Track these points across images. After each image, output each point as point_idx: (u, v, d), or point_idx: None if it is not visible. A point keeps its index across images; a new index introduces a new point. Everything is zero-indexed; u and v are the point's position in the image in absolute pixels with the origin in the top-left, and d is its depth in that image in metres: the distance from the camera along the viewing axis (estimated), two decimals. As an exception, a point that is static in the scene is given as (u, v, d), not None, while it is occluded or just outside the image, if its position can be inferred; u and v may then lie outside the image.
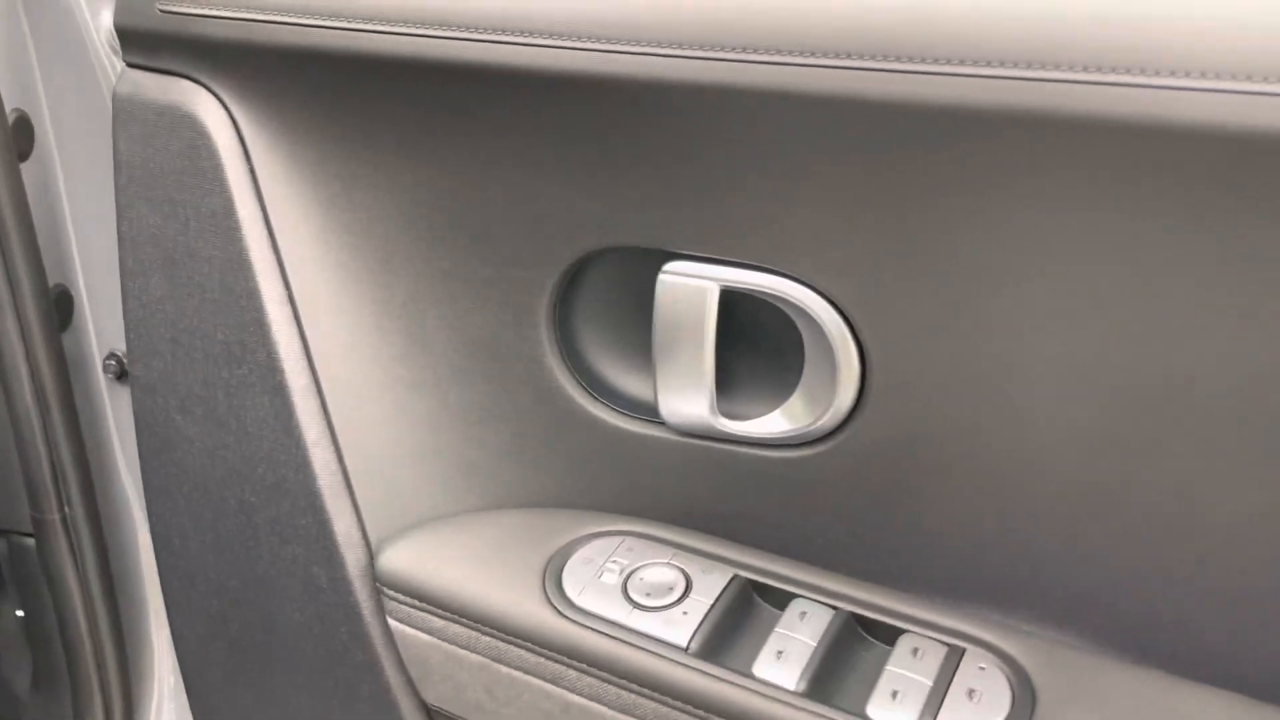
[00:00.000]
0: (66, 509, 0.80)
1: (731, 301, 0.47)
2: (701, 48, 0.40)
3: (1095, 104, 0.34)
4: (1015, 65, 0.35)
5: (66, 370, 0.77)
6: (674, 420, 0.50)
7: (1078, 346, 0.40)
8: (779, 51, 0.39)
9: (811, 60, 0.38)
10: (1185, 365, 0.39)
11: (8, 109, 0.71)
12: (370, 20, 0.46)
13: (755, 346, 0.50)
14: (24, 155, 0.73)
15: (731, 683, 0.44)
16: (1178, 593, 0.43)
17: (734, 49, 0.39)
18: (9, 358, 0.74)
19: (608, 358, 0.53)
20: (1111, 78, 0.34)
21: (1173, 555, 0.42)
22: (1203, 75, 0.32)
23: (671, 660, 0.46)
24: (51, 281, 0.76)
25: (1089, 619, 0.45)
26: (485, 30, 0.44)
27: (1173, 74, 0.33)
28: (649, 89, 0.41)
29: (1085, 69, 0.34)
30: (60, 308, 0.78)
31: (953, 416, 0.44)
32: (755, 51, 0.39)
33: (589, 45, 0.42)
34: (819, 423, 0.47)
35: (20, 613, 0.88)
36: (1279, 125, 0.32)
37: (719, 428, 0.49)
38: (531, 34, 0.43)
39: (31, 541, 0.82)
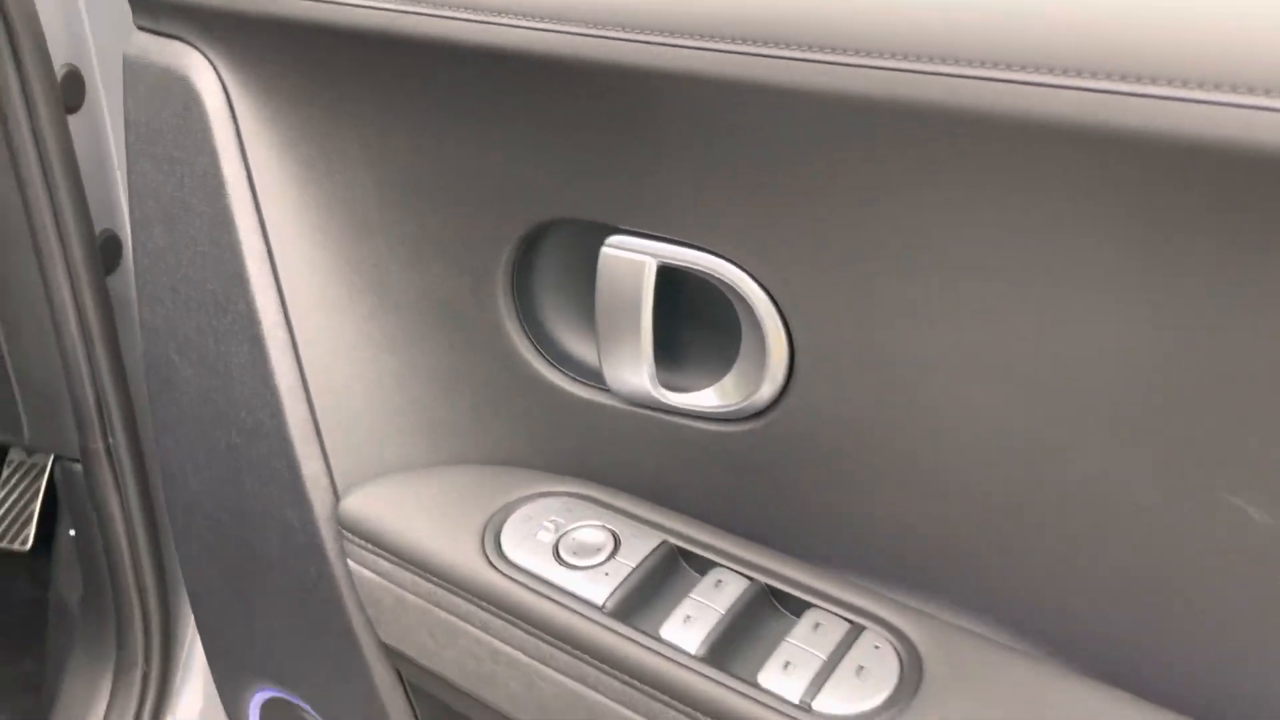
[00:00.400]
0: (110, 439, 0.86)
1: (678, 279, 0.48)
2: (643, 32, 0.41)
3: (1018, 105, 0.34)
4: (940, 61, 0.35)
5: (111, 310, 0.83)
6: (617, 388, 0.52)
7: (993, 346, 0.40)
8: (715, 38, 0.40)
9: (744, 48, 0.39)
10: (1094, 367, 0.39)
11: (59, 64, 0.76)
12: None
13: (699, 324, 0.51)
14: (74, 108, 0.78)
15: (636, 642, 0.46)
16: (1082, 586, 0.43)
17: (671, 33, 0.40)
18: (58, 298, 0.80)
19: (563, 326, 0.54)
20: (1031, 77, 0.34)
21: (1079, 550, 0.42)
22: (1107, 76, 0.32)
23: (586, 617, 0.48)
24: (99, 227, 0.82)
25: (995, 607, 0.46)
26: (449, 7, 0.46)
27: (1090, 75, 0.33)
28: (595, 70, 0.43)
29: (1004, 67, 0.34)
30: (107, 252, 0.84)
31: (874, 405, 0.45)
32: (690, 37, 0.40)
33: (542, 25, 0.43)
34: (749, 401, 0.48)
35: (72, 532, 0.96)
36: (1176, 129, 0.32)
37: (658, 398, 0.50)
38: (490, 11, 0.45)
39: (79, 467, 0.89)
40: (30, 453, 1.13)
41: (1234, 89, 0.30)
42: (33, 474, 1.12)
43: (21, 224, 0.78)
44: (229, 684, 0.75)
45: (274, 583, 0.63)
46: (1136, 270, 0.36)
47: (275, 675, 0.69)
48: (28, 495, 1.11)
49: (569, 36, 0.43)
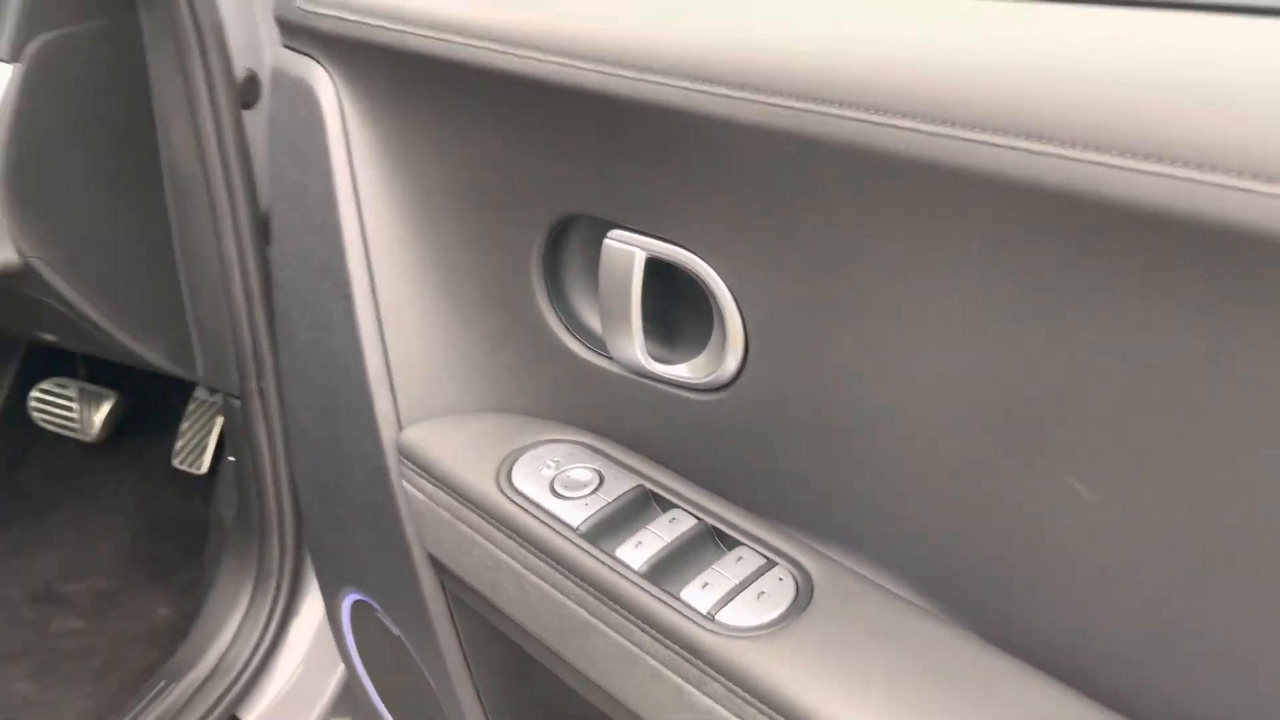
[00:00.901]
0: (262, 381, 1.04)
1: (669, 271, 0.59)
2: (639, 69, 0.52)
3: (960, 158, 0.41)
4: (899, 114, 0.43)
5: (269, 274, 1.00)
6: (616, 357, 0.62)
7: (898, 350, 0.49)
8: (698, 79, 0.50)
9: (719, 90, 0.49)
10: (967, 372, 0.47)
11: (240, 69, 0.94)
12: (430, 27, 0.61)
13: (685, 309, 0.61)
14: (249, 105, 0.95)
15: (596, 558, 0.57)
16: (959, 546, 0.51)
17: (661, 72, 0.51)
18: (228, 262, 0.98)
19: (580, 302, 0.66)
20: (979, 136, 0.41)
21: (959, 516, 0.50)
22: (1048, 139, 0.39)
23: (564, 537, 0.59)
24: (263, 205, 0.99)
25: (899, 562, 0.54)
26: (503, 43, 0.58)
27: (1027, 137, 0.39)
28: (606, 100, 0.54)
29: (952, 124, 0.42)
30: (267, 226, 1.01)
31: (808, 387, 0.54)
32: (678, 76, 0.50)
33: (568, 61, 0.55)
34: (715, 375, 0.58)
35: (232, 459, 1.15)
36: (1101, 191, 0.39)
37: (647, 368, 0.61)
38: (531, 48, 0.57)
39: (239, 404, 1.07)
40: (210, 391, 1.34)
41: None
42: (211, 410, 1.33)
43: (203, 199, 0.95)
44: (328, 589, 0.91)
45: (355, 501, 0.77)
46: (1003, 297, 0.44)
47: (357, 581, 0.84)
48: (207, 427, 1.32)
49: (589, 73, 0.54)
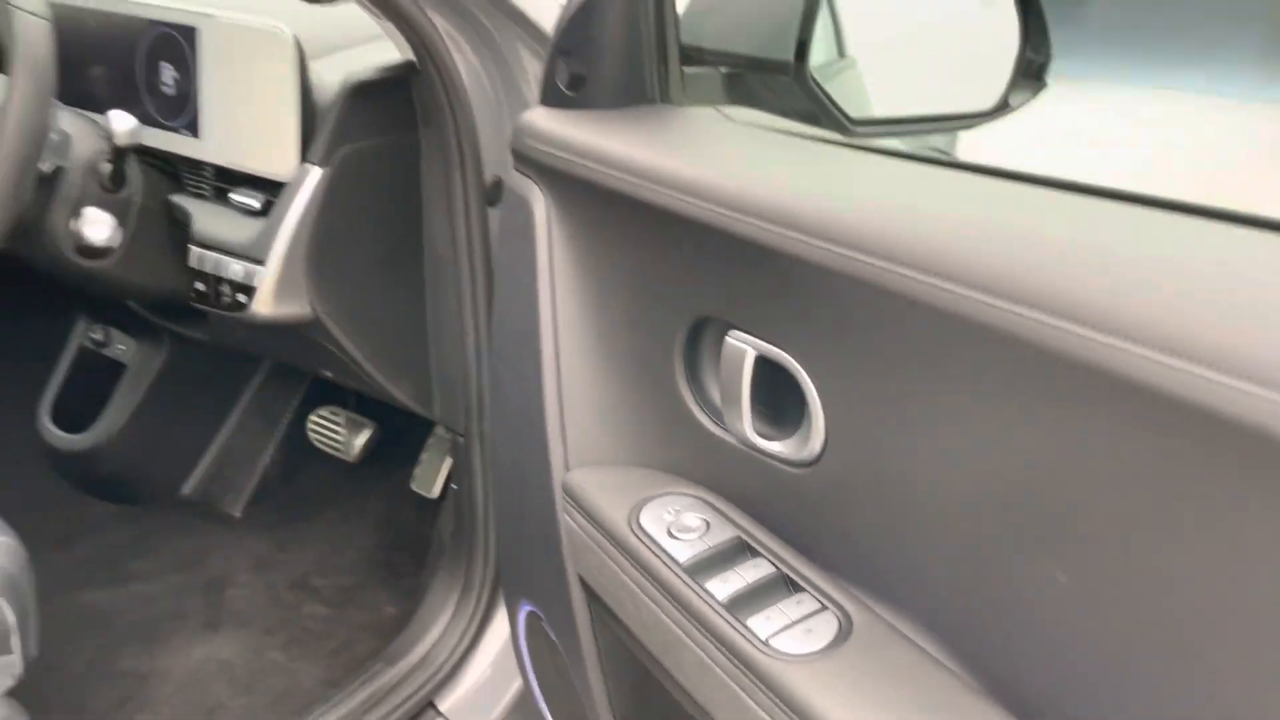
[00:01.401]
0: (482, 423, 1.26)
1: (776, 365, 0.74)
2: (777, 223, 0.68)
3: (1019, 329, 0.53)
4: (973, 288, 0.55)
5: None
6: (731, 431, 0.78)
7: (949, 459, 0.62)
8: (822, 237, 0.65)
9: (841, 250, 0.63)
10: (987, 482, 0.59)
11: (489, 175, 1.17)
12: (617, 168, 0.80)
13: (788, 397, 0.76)
14: (493, 204, 1.19)
15: (690, 587, 0.72)
16: (983, 617, 0.62)
17: (793, 227, 0.67)
18: (465, 327, 1.20)
19: (710, 383, 0.82)
20: (1029, 313, 0.53)
21: (983, 592, 0.62)
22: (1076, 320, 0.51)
23: (670, 568, 0.75)
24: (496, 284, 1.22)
25: (935, 624, 0.66)
26: (673, 187, 0.76)
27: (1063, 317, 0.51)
28: (746, 241, 0.70)
29: (1012, 299, 0.54)
30: (500, 298, 1.24)
31: (873, 474, 0.68)
32: (807, 233, 0.65)
33: (716, 208, 0.72)
34: (802, 454, 0.72)
35: (454, 486, 1.38)
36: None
37: (753, 441, 0.76)
38: (688, 192, 0.74)
39: (463, 440, 1.30)
40: (446, 429, 1.59)
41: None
42: (444, 445, 1.58)
43: (452, 275, 1.19)
44: (510, 600, 1.10)
45: (530, 528, 0.96)
46: (1017, 427, 0.57)
47: (530, 594, 1.02)
48: (440, 459, 1.57)
49: (738, 221, 0.70)
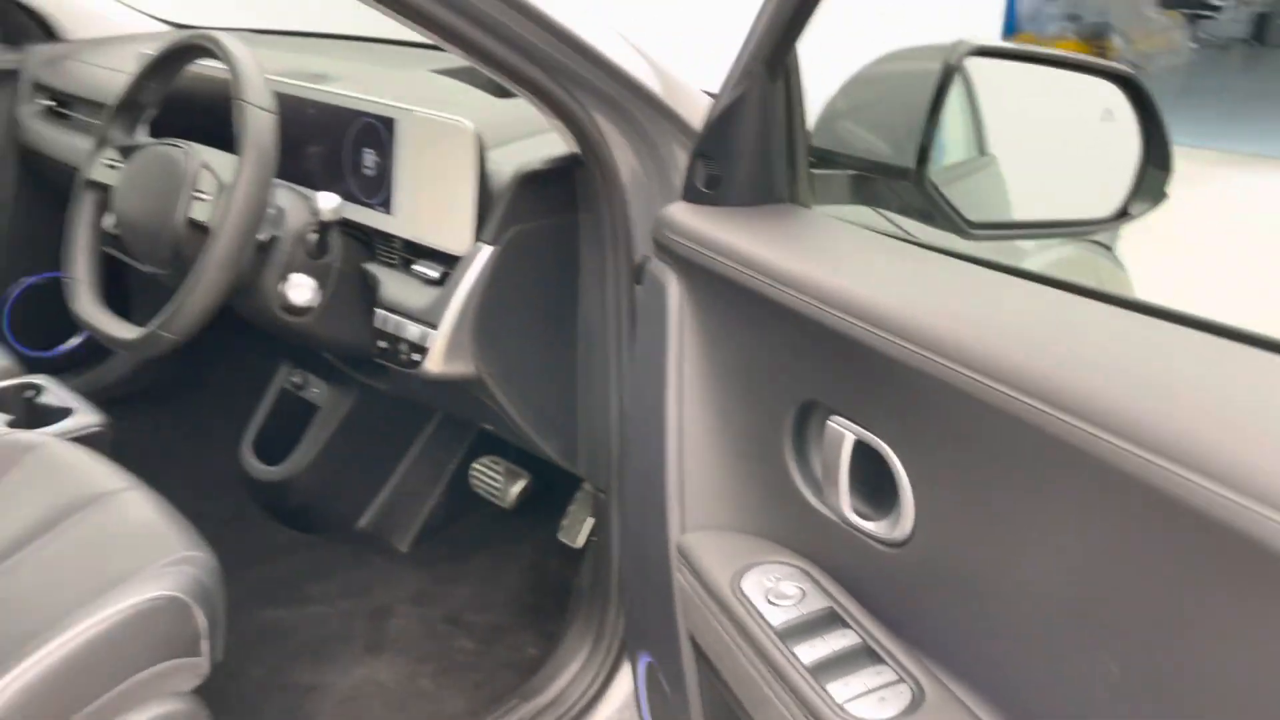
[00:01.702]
0: (620, 482, 1.35)
1: (873, 451, 0.80)
2: (885, 329, 0.75)
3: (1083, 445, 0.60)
4: (1060, 408, 0.61)
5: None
6: (830, 508, 0.84)
7: (1020, 556, 0.67)
8: (927, 347, 0.71)
9: (946, 362, 0.69)
10: (1054, 584, 0.64)
11: (638, 255, 1.28)
12: (742, 263, 0.89)
13: (883, 481, 0.82)
14: (639, 282, 1.29)
15: (780, 650, 0.79)
16: (1052, 703, 0.66)
17: (897, 334, 0.73)
18: (611, 393, 1.31)
19: (815, 461, 0.88)
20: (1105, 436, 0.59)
21: (1051, 679, 0.66)
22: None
23: (764, 631, 0.81)
24: (643, 352, 1.32)
25: (1000, 701, 0.70)
26: (789, 285, 0.84)
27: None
28: (856, 342, 0.77)
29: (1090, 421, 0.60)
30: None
31: (950, 561, 0.73)
32: (912, 341, 0.72)
33: (829, 309, 0.80)
34: (892, 535, 0.78)
35: (594, 539, 1.47)
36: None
37: (850, 519, 0.82)
38: (803, 291, 0.82)
39: (604, 497, 1.40)
40: (592, 485, 1.70)
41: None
42: (589, 500, 1.68)
43: (602, 345, 1.30)
44: (632, 649, 1.18)
45: (651, 583, 1.04)
46: (1080, 536, 0.62)
47: (649, 645, 1.10)
48: (585, 512, 1.68)
49: (848, 323, 0.77)
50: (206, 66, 1.35)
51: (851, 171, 1.01)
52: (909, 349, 0.71)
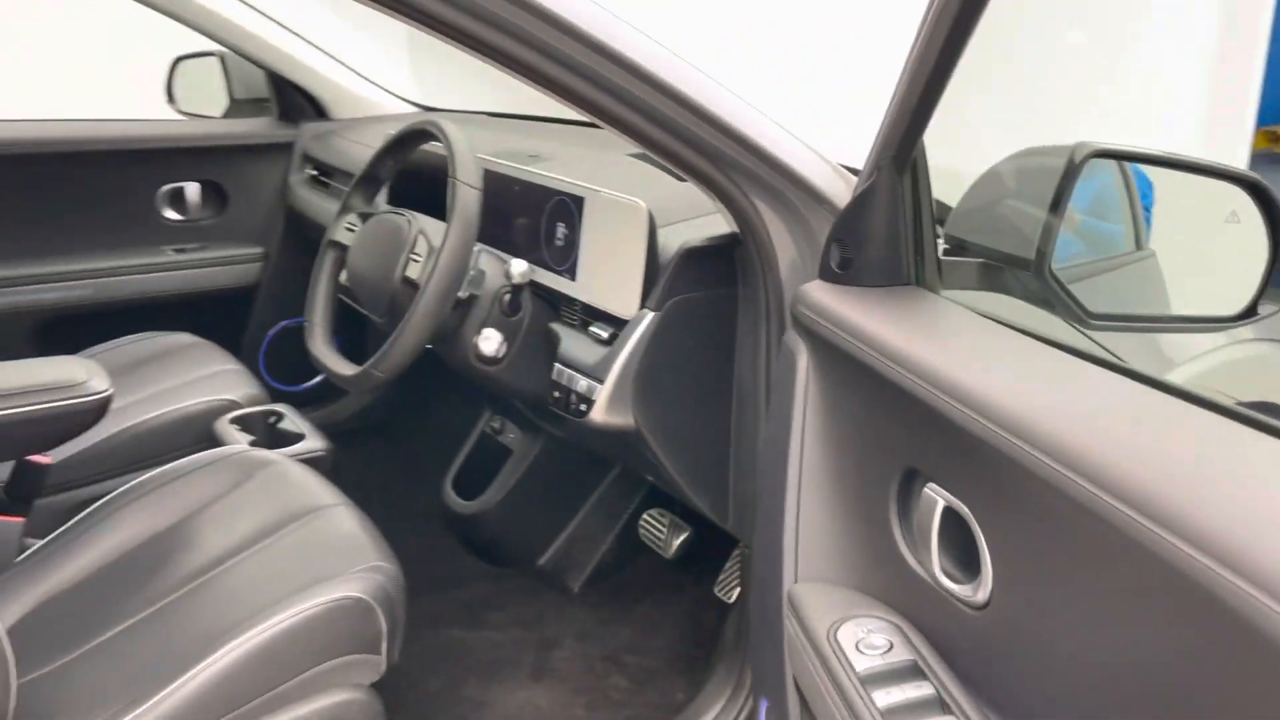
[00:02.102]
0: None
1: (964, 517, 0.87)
2: (996, 424, 0.82)
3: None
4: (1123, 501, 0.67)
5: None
6: (923, 569, 0.91)
7: (1095, 633, 0.72)
8: (1034, 444, 0.78)
9: (1047, 460, 0.75)
10: (1137, 665, 0.69)
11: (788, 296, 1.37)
12: (861, 340, 0.98)
13: (971, 547, 0.88)
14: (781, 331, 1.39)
15: (860, 694, 0.85)
16: None
17: (984, 416, 0.80)
18: (760, 455, 1.41)
19: (919, 524, 0.95)
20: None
21: None
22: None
23: (848, 675, 0.88)
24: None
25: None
26: (896, 361, 0.93)
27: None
28: (967, 433, 0.85)
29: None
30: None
31: (1023, 627, 0.78)
32: (1017, 436, 0.80)
33: (939, 394, 0.87)
34: (973, 599, 0.84)
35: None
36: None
37: (942, 582, 0.89)
38: (914, 372, 0.90)
39: (749, 552, 1.48)
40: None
41: None
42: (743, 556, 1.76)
43: (754, 406, 1.40)
44: (756, 694, 1.26)
45: (768, 631, 1.12)
46: (1139, 616, 0.67)
47: (768, 692, 1.18)
48: (736, 568, 1.76)
49: (965, 414, 0.84)
50: (434, 147, 1.57)
51: (980, 260, 1.08)
52: (997, 433, 0.77)
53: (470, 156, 1.41)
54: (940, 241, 1.11)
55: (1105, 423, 0.74)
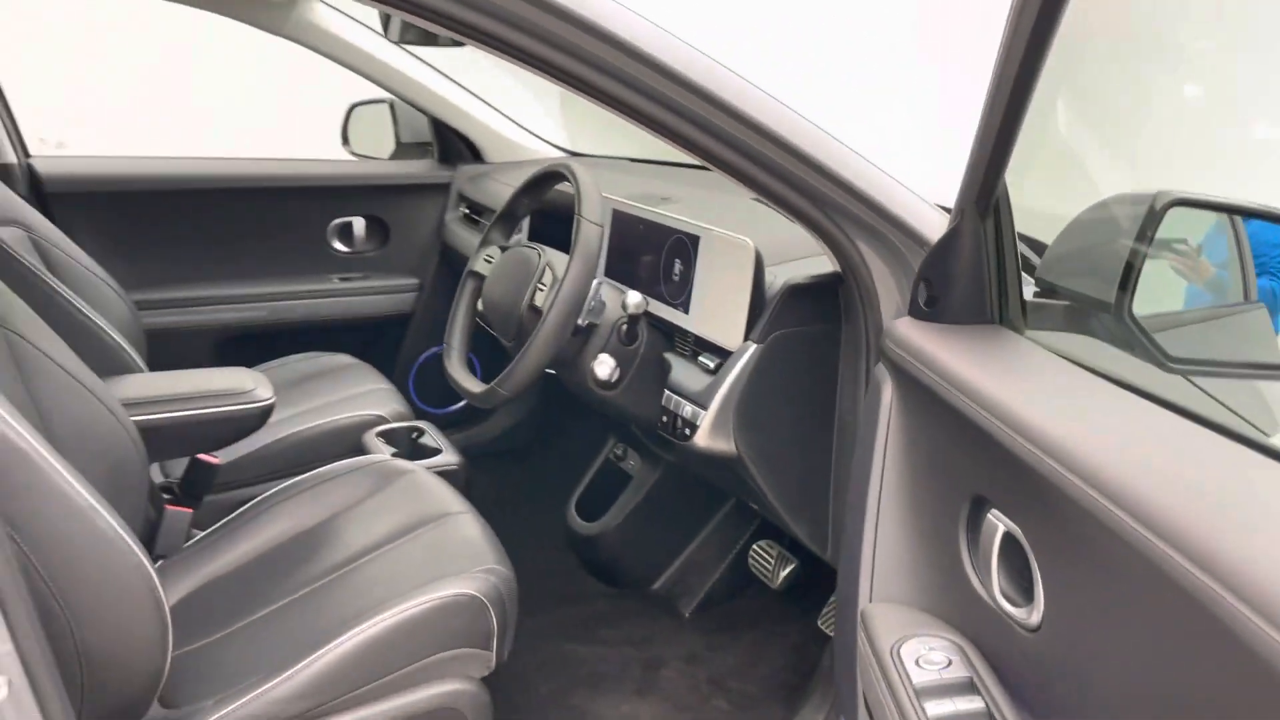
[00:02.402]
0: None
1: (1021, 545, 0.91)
2: (1030, 441, 0.88)
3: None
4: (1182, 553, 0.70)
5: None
6: (984, 590, 0.95)
7: (1135, 661, 0.76)
8: (1066, 467, 0.83)
9: (1080, 483, 0.81)
10: (1181, 697, 0.73)
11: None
12: (944, 379, 1.04)
13: (1026, 571, 0.91)
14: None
15: (912, 704, 0.90)
16: None
17: (1047, 454, 0.85)
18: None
19: (985, 547, 0.99)
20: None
21: None
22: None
23: (905, 687, 0.93)
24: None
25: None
26: (974, 400, 0.98)
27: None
28: (1033, 470, 0.90)
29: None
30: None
31: (1066, 653, 0.82)
32: (1056, 461, 0.85)
33: (999, 425, 0.93)
34: (1027, 622, 0.88)
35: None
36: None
37: (999, 603, 0.93)
38: (989, 410, 0.96)
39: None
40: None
41: None
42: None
43: (852, 436, 1.45)
44: (838, 713, 1.30)
45: (845, 649, 1.17)
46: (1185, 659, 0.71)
47: (846, 712, 1.22)
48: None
49: (1005, 433, 0.90)
50: (567, 187, 1.71)
51: (1066, 302, 1.12)
52: (1050, 464, 0.81)
53: (595, 196, 1.53)
54: (1032, 286, 1.15)
55: (1158, 462, 0.78)
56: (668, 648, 1.99)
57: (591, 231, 1.49)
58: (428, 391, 2.79)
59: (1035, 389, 0.96)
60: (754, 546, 2.05)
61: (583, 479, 2.27)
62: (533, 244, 1.66)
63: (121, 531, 1.12)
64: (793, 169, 1.26)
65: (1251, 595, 0.61)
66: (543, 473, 2.63)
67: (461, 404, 2.79)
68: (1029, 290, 1.15)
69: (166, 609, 1.20)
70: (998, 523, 0.92)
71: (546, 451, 2.73)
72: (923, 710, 0.89)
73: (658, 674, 1.91)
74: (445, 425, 2.36)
